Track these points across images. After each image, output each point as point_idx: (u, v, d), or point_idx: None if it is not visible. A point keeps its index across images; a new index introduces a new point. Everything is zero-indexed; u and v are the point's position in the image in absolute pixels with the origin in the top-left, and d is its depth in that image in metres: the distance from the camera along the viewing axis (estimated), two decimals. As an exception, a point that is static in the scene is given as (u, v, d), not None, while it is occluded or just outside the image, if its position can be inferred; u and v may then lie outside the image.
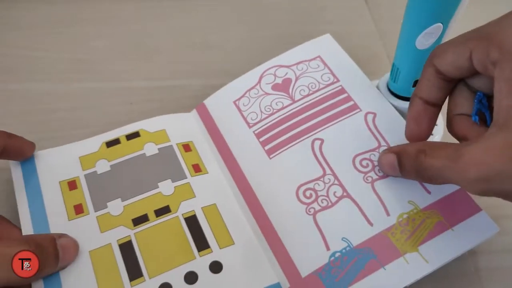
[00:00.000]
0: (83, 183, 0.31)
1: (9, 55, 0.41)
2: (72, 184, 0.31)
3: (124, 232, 0.29)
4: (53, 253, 0.26)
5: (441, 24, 0.28)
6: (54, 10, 0.44)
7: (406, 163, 0.27)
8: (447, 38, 0.29)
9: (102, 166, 0.32)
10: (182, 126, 0.35)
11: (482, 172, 0.21)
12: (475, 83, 0.26)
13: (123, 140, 0.33)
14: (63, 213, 0.30)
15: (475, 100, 0.26)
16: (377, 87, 0.34)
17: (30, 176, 0.31)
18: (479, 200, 0.28)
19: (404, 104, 0.32)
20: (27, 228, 0.29)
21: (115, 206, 0.30)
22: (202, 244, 0.29)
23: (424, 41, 0.29)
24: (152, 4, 0.45)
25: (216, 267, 0.28)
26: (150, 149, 0.33)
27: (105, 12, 0.44)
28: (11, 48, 0.41)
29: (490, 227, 0.27)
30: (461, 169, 0.22)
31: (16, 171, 0.31)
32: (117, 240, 0.29)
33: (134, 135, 0.33)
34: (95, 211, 0.30)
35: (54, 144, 0.33)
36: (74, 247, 0.28)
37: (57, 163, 0.32)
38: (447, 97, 0.28)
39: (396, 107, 0.32)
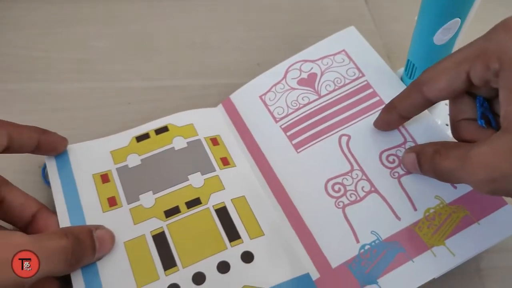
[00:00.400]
0: (115, 176, 0.32)
1: (9, 55, 0.40)
2: (105, 177, 0.32)
3: (157, 223, 0.30)
4: (90, 244, 0.27)
5: (459, 19, 0.28)
6: (54, 10, 0.43)
7: (424, 163, 0.28)
8: (463, 32, 0.30)
9: (133, 160, 0.33)
10: (209, 121, 0.35)
11: (489, 173, 0.22)
12: (474, 89, 0.27)
13: (152, 134, 0.34)
14: (97, 205, 0.30)
15: (477, 105, 0.27)
16: None
17: (65, 169, 0.32)
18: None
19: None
20: (64, 220, 0.29)
21: (147, 199, 0.31)
22: (233, 234, 0.29)
23: (442, 36, 0.29)
24: (152, 4, 0.44)
25: (247, 257, 0.29)
26: (179, 143, 0.33)
27: (105, 12, 0.43)
28: (11, 48, 0.41)
29: None
30: (470, 171, 0.23)
31: (51, 165, 0.32)
32: (150, 232, 0.29)
33: (163, 129, 0.34)
34: (128, 204, 0.31)
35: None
36: (110, 239, 0.29)
37: (89, 156, 0.32)
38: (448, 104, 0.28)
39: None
